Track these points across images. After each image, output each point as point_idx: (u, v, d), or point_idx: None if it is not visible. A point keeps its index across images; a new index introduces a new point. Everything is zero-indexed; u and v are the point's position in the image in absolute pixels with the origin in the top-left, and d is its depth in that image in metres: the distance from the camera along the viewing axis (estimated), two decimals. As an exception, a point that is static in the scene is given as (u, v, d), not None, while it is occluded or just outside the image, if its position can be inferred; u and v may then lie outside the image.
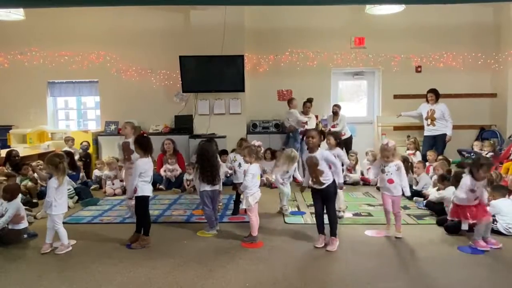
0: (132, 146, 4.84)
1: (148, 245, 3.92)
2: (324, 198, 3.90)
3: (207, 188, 4.26)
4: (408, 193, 4.33)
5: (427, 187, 5.64)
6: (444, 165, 5.63)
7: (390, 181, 4.13)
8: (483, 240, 3.82)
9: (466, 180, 3.79)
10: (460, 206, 3.89)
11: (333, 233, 3.87)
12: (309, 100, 7.53)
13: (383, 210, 4.34)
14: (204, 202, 4.28)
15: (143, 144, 4.00)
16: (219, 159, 4.61)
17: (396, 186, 4.14)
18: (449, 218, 4.36)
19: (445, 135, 7.03)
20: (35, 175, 6.05)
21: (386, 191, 4.19)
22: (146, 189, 3.97)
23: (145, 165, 3.96)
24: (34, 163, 6.18)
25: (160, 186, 6.61)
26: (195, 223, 4.72)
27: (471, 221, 3.86)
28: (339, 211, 4.80)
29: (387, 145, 4.12)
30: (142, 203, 4.00)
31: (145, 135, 4.16)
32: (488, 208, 4.30)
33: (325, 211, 3.95)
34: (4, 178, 5.03)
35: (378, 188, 6.28)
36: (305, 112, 7.48)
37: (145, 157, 4.00)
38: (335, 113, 7.68)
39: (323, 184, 3.82)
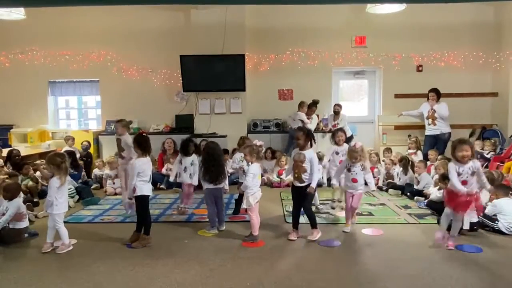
0: (122, 144, 4.89)
1: (149, 245, 3.92)
2: (301, 196, 4.03)
3: (210, 186, 4.27)
4: (373, 187, 4.56)
5: (428, 186, 5.63)
6: (446, 164, 5.61)
7: (354, 180, 4.30)
8: (444, 233, 3.83)
9: (451, 164, 3.77)
10: (452, 192, 3.76)
11: (313, 225, 4.07)
12: (315, 103, 7.50)
13: (346, 209, 4.46)
14: (206, 200, 4.29)
15: (142, 143, 4.00)
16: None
17: (358, 186, 4.32)
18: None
19: (446, 134, 7.02)
20: (38, 173, 6.07)
21: (349, 189, 4.36)
22: (145, 189, 3.96)
23: (143, 164, 3.95)
24: (38, 161, 6.19)
25: (161, 186, 6.62)
26: (196, 223, 4.72)
27: (453, 211, 3.77)
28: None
29: (355, 147, 4.29)
30: (142, 202, 3.99)
31: (144, 134, 4.16)
32: (488, 207, 4.29)
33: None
34: (6, 176, 5.03)
35: (380, 188, 6.30)
36: (309, 114, 7.45)
37: (143, 156, 3.99)
38: (337, 113, 7.67)
39: (304, 182, 3.98)
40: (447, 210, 3.82)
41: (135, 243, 3.91)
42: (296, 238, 4.04)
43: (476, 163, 3.69)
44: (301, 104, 7.46)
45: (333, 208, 5.18)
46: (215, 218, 4.34)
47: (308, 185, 3.96)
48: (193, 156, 5.21)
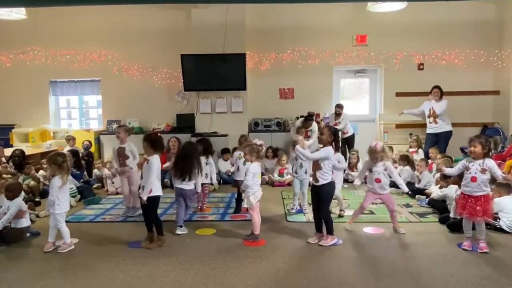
0: (127, 152, 4.85)
1: (165, 244, 3.92)
2: (318, 197, 3.94)
3: (179, 185, 4.35)
4: (405, 189, 4.45)
5: (430, 185, 5.62)
6: (448, 162, 5.59)
7: (378, 180, 4.20)
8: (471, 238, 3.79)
9: (463, 160, 3.80)
10: (461, 199, 3.75)
11: (328, 231, 3.93)
12: (311, 116, 7.02)
13: (359, 207, 4.40)
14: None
15: (156, 142, 3.95)
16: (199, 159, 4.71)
17: (383, 186, 4.21)
18: (451, 215, 4.36)
19: (447, 132, 7.01)
20: (41, 173, 6.10)
21: (372, 190, 4.27)
22: (159, 189, 3.94)
23: (159, 162, 3.92)
24: (44, 160, 6.22)
25: (165, 180, 6.62)
26: (197, 222, 4.73)
27: (466, 216, 3.75)
28: (341, 211, 4.87)
29: (376, 147, 4.17)
30: (155, 203, 3.96)
31: (158, 134, 4.16)
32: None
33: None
34: (8, 176, 5.05)
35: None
36: (306, 127, 7.01)
37: (155, 155, 3.95)
38: (338, 114, 7.60)
39: (318, 181, 3.87)
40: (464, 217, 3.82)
41: (151, 244, 3.89)
42: (315, 242, 3.93)
43: (488, 162, 3.63)
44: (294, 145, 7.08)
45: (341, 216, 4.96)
46: (181, 217, 4.40)
47: (326, 185, 3.85)
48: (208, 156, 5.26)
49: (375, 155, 4.17)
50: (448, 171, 4.02)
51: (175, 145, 6.93)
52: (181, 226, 4.35)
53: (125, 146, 4.91)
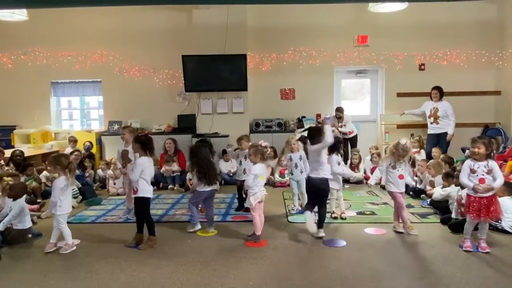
0: (130, 155, 4.84)
1: (156, 244, 3.92)
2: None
3: (206, 189, 4.33)
4: (413, 183, 4.57)
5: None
6: (438, 165, 5.60)
7: (401, 176, 4.20)
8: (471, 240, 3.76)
9: (466, 161, 3.74)
10: (472, 198, 3.67)
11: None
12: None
13: (397, 208, 4.30)
14: (196, 201, 4.43)
15: (145, 144, 3.97)
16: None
17: (404, 182, 4.23)
18: (453, 216, 4.36)
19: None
20: (44, 173, 6.11)
21: (396, 187, 4.21)
22: (146, 190, 3.93)
23: (145, 163, 3.93)
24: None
25: (176, 187, 6.66)
26: (199, 222, 4.71)
27: (476, 218, 3.69)
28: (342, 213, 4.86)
29: (406, 146, 4.15)
30: (143, 204, 3.96)
31: (147, 134, 4.15)
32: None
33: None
34: (9, 179, 5.04)
35: (383, 187, 6.26)
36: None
37: (145, 155, 3.97)
38: (339, 118, 7.54)
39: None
40: (469, 217, 3.75)
41: (142, 244, 3.90)
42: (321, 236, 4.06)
43: (492, 163, 3.62)
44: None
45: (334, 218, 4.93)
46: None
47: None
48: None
49: (404, 153, 4.15)
50: (461, 182, 3.78)
51: (171, 147, 6.96)
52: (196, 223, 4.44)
53: (128, 149, 4.88)
